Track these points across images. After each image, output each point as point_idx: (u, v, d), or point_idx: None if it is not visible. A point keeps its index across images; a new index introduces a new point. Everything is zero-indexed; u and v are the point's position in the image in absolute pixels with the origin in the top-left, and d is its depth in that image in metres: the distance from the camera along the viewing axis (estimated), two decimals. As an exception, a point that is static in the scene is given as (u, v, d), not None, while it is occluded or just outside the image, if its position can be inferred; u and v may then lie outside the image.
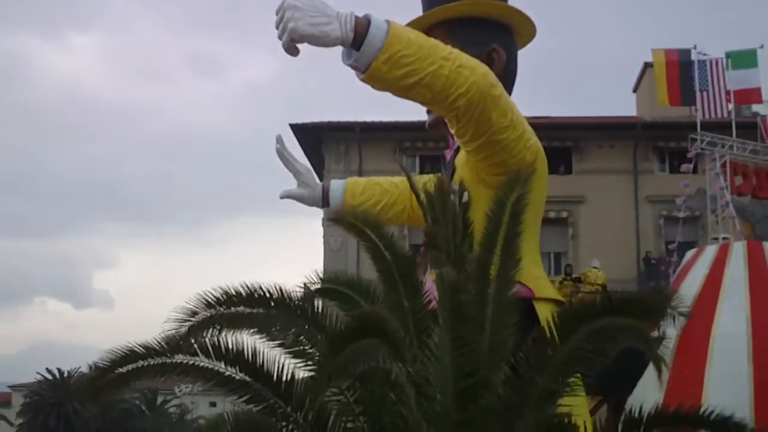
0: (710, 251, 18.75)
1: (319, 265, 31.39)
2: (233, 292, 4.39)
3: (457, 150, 8.22)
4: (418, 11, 6.09)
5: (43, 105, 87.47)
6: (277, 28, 5.03)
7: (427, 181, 8.60)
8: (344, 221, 5.27)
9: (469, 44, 7.47)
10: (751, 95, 21.82)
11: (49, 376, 46.55)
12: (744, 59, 21.70)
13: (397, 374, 3.66)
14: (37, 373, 47.58)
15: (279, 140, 9.09)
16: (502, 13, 6.81)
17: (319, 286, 4.75)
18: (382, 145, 30.82)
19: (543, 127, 31.16)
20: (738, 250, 18.11)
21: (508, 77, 8.26)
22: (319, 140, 31.80)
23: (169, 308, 4.36)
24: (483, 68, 6.58)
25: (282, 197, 9.39)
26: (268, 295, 4.44)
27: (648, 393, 16.37)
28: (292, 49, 5.11)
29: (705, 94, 21.46)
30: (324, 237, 31.09)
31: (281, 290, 4.48)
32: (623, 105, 47.09)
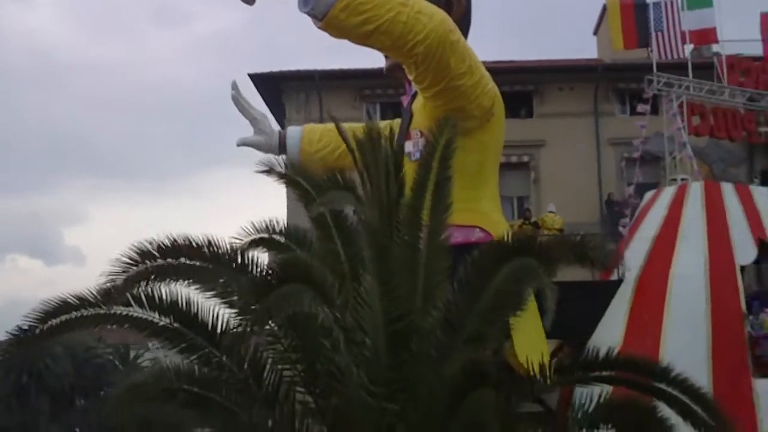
0: (668, 192, 18.84)
1: (283, 215, 31.37)
2: (167, 244, 4.36)
3: (414, 96, 8.13)
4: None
5: (6, 62, 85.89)
6: None
7: (384, 127, 8.50)
8: (275, 171, 5.19)
9: None
10: (707, 35, 21.80)
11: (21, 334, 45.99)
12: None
13: (323, 319, 3.66)
14: (6, 332, 47.09)
15: (234, 87, 8.95)
16: None
17: (253, 237, 4.73)
18: (342, 92, 30.60)
19: (503, 71, 30.99)
20: (695, 191, 18.22)
21: (465, 22, 8.17)
22: (280, 90, 31.53)
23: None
24: (441, 14, 6.51)
25: (239, 145, 9.27)
26: (200, 246, 4.42)
27: (608, 334, 16.52)
28: None
29: (660, 34, 21.42)
30: (287, 193, 30.89)
31: (214, 242, 4.45)
32: (585, 48, 46.89)
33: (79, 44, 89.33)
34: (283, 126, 22.79)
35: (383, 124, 8.77)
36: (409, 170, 7.88)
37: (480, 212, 7.82)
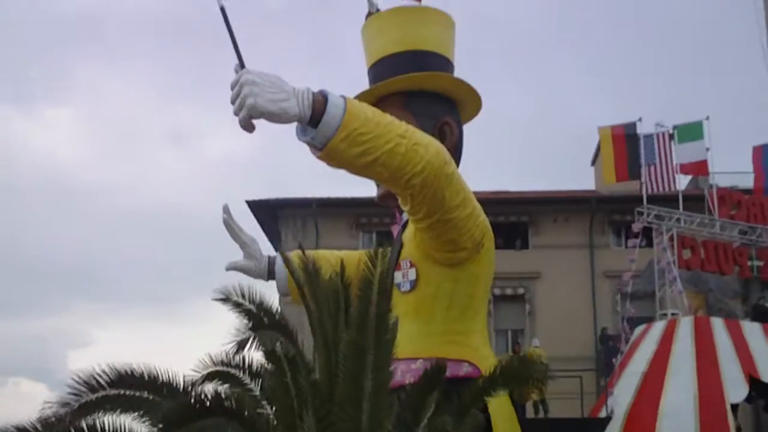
0: (658, 327, 18.65)
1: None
2: (115, 375, 4.21)
3: (405, 225, 8.01)
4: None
5: (15, 181, 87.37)
6: (233, 103, 4.80)
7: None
8: (231, 300, 5.04)
9: (423, 116, 7.34)
10: (698, 168, 21.86)
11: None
12: (690, 132, 21.78)
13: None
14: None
15: (226, 210, 8.86)
16: (456, 88, 6.68)
17: (209, 369, 4.59)
18: (338, 221, 30.69)
19: (499, 202, 31.19)
20: (685, 326, 18.02)
21: (457, 153, 8.14)
22: (276, 216, 31.66)
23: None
24: (437, 146, 6.44)
25: (228, 269, 9.12)
26: (152, 378, 4.25)
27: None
28: (248, 126, 4.89)
29: (653, 167, 21.47)
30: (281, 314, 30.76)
31: (165, 373, 4.29)
32: (583, 178, 47.19)
33: (88, 164, 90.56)
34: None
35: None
36: (399, 301, 7.72)
37: (469, 346, 7.61)
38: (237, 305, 4.91)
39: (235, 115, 4.89)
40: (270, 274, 9.27)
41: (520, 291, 30.35)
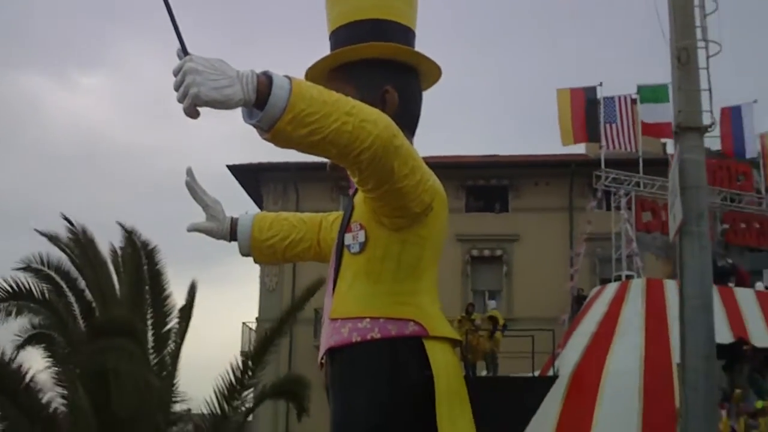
0: (611, 289, 18.76)
1: (253, 304, 31.37)
2: None
3: (357, 189, 8.14)
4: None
5: (53, 146, 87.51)
6: (176, 90, 4.92)
7: (334, 219, 8.55)
8: (31, 267, 5.21)
9: (366, 87, 7.45)
10: (661, 129, 21.53)
11: None
12: (655, 93, 21.54)
13: None
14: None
15: (189, 173, 9.03)
16: (398, 55, 6.82)
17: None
18: (319, 184, 30.79)
19: (480, 165, 31.25)
20: (636, 288, 18.12)
21: (407, 118, 8.27)
22: (258, 180, 31.83)
23: None
24: (385, 120, 6.56)
25: (189, 230, 9.30)
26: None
27: (541, 429, 16.35)
28: (193, 114, 5.01)
29: (614, 126, 21.28)
30: (260, 277, 30.99)
31: None
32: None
33: (123, 128, 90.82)
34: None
35: (333, 217, 8.85)
36: (350, 262, 7.89)
37: (416, 305, 7.76)
38: (37, 272, 5.10)
39: (179, 103, 5.00)
40: (233, 236, 9.47)
41: (498, 253, 30.48)
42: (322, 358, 7.50)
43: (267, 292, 30.71)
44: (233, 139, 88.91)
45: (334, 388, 7.84)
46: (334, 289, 8.17)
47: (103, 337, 3.91)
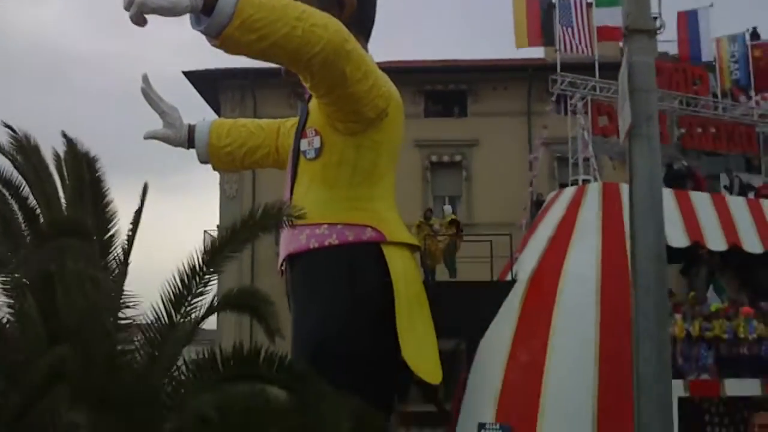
0: (568, 193, 18.90)
1: (215, 212, 31.35)
2: None
3: (312, 95, 8.08)
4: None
5: (10, 55, 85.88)
6: None
7: (292, 125, 8.50)
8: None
9: None
10: (617, 33, 21.36)
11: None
12: (610, -4, 21.32)
13: None
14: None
15: (145, 80, 8.88)
16: None
17: None
18: (277, 90, 30.52)
19: (438, 70, 31.12)
20: (593, 192, 18.26)
21: (363, 22, 8.19)
22: (216, 87, 31.52)
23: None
24: (335, 24, 6.50)
25: (146, 137, 9.19)
26: None
27: (499, 333, 16.63)
28: (140, 21, 4.89)
29: (569, 30, 21.16)
30: (220, 184, 30.92)
31: None
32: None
33: (83, 38, 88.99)
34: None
35: (290, 123, 8.77)
36: (306, 168, 7.87)
37: (372, 211, 7.80)
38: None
39: (126, 11, 4.91)
40: (190, 143, 9.36)
41: (458, 158, 30.56)
42: (281, 265, 7.55)
43: (227, 200, 30.66)
44: (191, 45, 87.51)
45: (294, 295, 7.91)
46: (291, 195, 8.20)
47: (51, 239, 3.94)
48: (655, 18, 8.84)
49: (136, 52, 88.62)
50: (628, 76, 8.54)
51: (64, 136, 4.95)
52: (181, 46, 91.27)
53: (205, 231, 30.55)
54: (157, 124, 8.36)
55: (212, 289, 4.39)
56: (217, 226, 29.84)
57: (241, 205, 29.71)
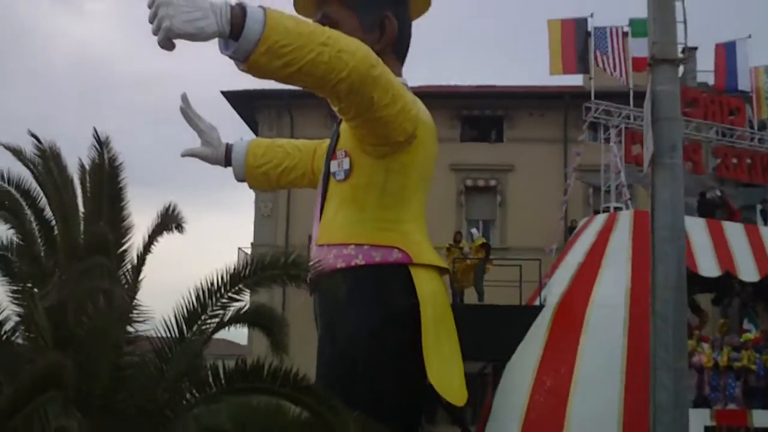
0: (599, 220, 18.90)
1: (249, 231, 31.54)
2: None
3: None
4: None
5: (54, 72, 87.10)
6: (151, 23, 4.95)
7: (328, 146, 8.60)
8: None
9: (363, 12, 7.54)
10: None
11: None
12: (646, 28, 21.29)
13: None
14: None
15: (184, 99, 9.04)
16: None
17: None
18: (313, 111, 30.70)
19: (475, 95, 31.20)
20: (624, 219, 18.23)
21: (401, 43, 8.30)
22: (253, 107, 31.81)
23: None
24: (363, 50, 6.63)
25: (184, 155, 9.35)
26: None
27: (526, 357, 16.64)
28: (168, 46, 5.07)
29: (605, 57, 21.19)
30: (255, 203, 31.12)
31: None
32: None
33: (127, 57, 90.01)
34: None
35: (326, 144, 8.91)
36: (336, 189, 8.01)
37: (400, 232, 7.90)
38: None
39: (154, 35, 5.07)
40: (228, 162, 9.51)
41: (492, 183, 30.59)
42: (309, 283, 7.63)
43: (262, 218, 30.84)
44: (230, 65, 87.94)
45: (321, 313, 8.03)
46: (321, 215, 8.35)
47: (81, 259, 4.09)
48: (683, 48, 8.96)
49: (176, 72, 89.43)
50: (651, 105, 8.66)
51: (95, 137, 5.09)
52: (221, 65, 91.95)
53: (239, 248, 30.77)
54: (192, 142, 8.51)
55: (231, 309, 4.51)
56: (252, 244, 30.02)
57: (276, 224, 29.94)
